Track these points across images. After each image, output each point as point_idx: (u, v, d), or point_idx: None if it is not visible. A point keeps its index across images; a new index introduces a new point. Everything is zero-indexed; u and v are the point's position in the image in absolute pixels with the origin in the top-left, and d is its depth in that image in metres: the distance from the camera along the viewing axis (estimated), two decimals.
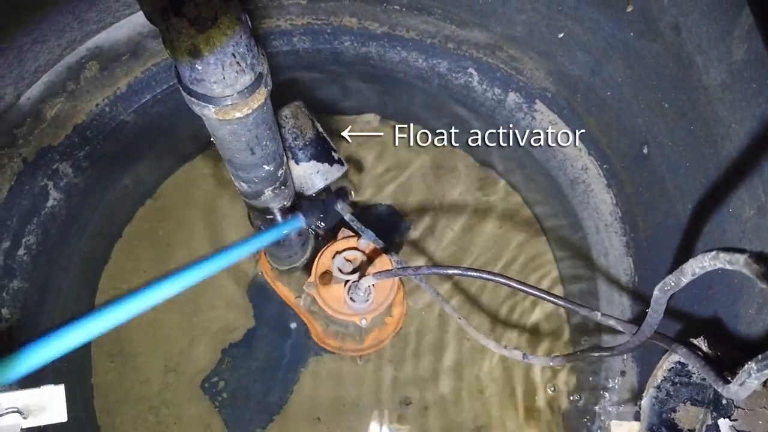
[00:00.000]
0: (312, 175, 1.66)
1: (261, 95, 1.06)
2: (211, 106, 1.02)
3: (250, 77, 1.02)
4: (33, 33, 1.30)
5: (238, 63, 0.98)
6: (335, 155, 1.72)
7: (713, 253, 0.69)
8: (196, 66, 0.95)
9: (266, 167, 1.30)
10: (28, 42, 1.33)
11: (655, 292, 0.92)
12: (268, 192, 1.41)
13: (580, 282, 1.89)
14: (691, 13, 1.10)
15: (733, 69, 1.06)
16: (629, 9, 1.25)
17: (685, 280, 0.82)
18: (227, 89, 1.00)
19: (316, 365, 2.08)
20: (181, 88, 1.03)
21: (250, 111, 1.06)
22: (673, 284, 0.86)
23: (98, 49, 1.49)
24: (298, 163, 1.68)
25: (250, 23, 1.01)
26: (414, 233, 2.24)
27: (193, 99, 1.02)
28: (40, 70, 1.39)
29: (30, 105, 1.44)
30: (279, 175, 1.38)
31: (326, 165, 1.69)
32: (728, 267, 0.66)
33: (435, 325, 2.12)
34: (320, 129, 1.77)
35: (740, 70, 1.04)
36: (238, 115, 1.05)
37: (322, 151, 1.70)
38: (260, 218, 1.61)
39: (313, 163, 1.67)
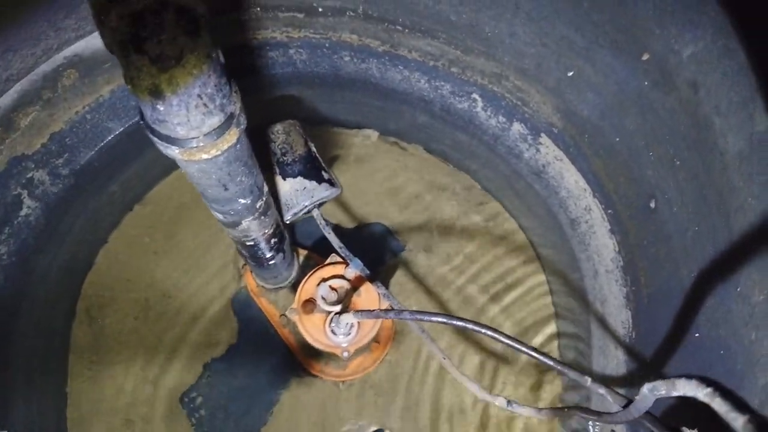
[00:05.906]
0: (298, 192, 1.61)
1: (232, 136, 0.98)
2: (175, 148, 0.94)
3: (219, 119, 0.93)
4: (3, 43, 1.22)
5: (205, 104, 0.89)
6: (326, 175, 1.66)
7: (711, 390, 0.60)
8: (158, 107, 0.87)
9: (242, 201, 1.22)
10: None
11: (643, 390, 0.84)
12: (245, 222, 1.33)
13: (574, 325, 1.80)
14: (712, 73, 1.00)
15: (753, 139, 0.95)
16: (645, 57, 1.14)
17: (675, 394, 0.74)
18: (192, 131, 0.91)
19: (298, 387, 2.01)
20: (143, 126, 0.94)
21: (218, 152, 0.98)
22: (663, 392, 0.78)
23: (77, 57, 1.41)
24: (285, 179, 1.63)
25: (222, 59, 0.92)
26: (408, 255, 2.15)
27: (155, 138, 0.94)
28: (12, 79, 1.31)
29: (0, 114, 1.36)
30: (258, 206, 1.30)
31: (314, 183, 1.63)
32: (723, 416, 0.57)
33: (423, 353, 2.04)
34: (313, 149, 1.70)
35: (762, 141, 0.94)
36: (205, 156, 0.97)
37: (312, 169, 1.65)
38: (245, 249, 1.54)
39: (300, 179, 1.62)
